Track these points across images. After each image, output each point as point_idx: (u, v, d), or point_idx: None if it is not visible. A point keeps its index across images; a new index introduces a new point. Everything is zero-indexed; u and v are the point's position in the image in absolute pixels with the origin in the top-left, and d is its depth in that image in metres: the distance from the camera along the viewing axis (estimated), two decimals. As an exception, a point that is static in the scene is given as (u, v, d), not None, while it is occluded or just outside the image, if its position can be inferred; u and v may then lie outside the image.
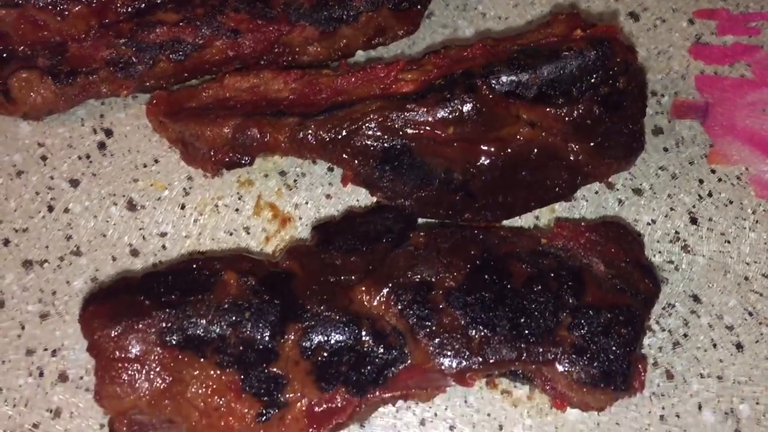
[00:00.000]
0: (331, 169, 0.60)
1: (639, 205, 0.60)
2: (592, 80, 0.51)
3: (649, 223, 0.59)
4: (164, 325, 0.47)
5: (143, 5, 0.59)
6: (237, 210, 0.59)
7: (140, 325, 0.47)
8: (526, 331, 0.48)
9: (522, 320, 0.48)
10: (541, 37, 0.54)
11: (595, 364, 0.48)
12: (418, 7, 0.62)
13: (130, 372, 0.47)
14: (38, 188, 0.58)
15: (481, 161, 0.53)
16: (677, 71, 0.65)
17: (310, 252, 0.51)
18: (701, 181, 0.61)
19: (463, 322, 0.48)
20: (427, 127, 0.52)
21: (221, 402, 0.47)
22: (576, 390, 0.48)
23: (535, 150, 0.53)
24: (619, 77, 0.52)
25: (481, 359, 0.48)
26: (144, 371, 0.47)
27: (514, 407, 0.54)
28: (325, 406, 0.48)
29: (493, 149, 0.52)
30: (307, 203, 0.59)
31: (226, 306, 0.48)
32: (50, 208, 0.58)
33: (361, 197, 0.59)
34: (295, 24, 0.59)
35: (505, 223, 0.57)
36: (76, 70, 0.58)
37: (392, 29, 0.62)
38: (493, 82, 0.51)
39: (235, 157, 0.55)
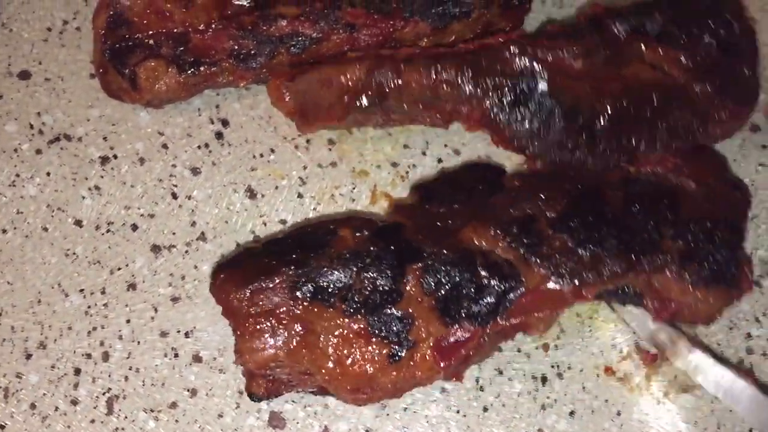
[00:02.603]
0: (440, 161, 0.62)
1: (741, 200, 0.61)
2: (711, 23, 0.55)
3: (752, 218, 0.61)
4: (293, 279, 0.50)
5: (264, -1, 0.61)
6: (353, 200, 0.60)
7: (271, 283, 0.50)
8: (633, 245, 0.51)
9: (627, 236, 0.51)
10: None
11: (705, 265, 0.51)
12: (526, 5, 0.63)
13: (266, 325, 0.50)
14: (161, 176, 0.60)
15: (606, 99, 0.55)
16: (770, 71, 0.66)
17: (414, 206, 0.55)
18: (799, 178, 0.63)
19: (571, 244, 0.51)
20: (558, 60, 0.55)
21: (353, 349, 0.50)
22: (690, 294, 0.51)
23: (657, 92, 0.55)
24: (734, 22, 0.56)
25: (595, 273, 0.51)
26: (279, 323, 0.50)
27: (631, 393, 0.56)
28: (451, 339, 0.50)
29: (617, 86, 0.55)
30: (420, 194, 0.61)
31: (347, 256, 0.51)
32: (174, 195, 0.59)
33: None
34: (409, 19, 0.60)
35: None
36: (199, 60, 0.59)
37: (498, 25, 0.63)
38: (618, 20, 0.56)
39: (367, 99, 0.56)
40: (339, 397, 0.51)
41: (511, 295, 0.50)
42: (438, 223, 0.53)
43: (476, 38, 0.63)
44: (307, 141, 0.62)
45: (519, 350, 0.57)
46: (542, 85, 0.55)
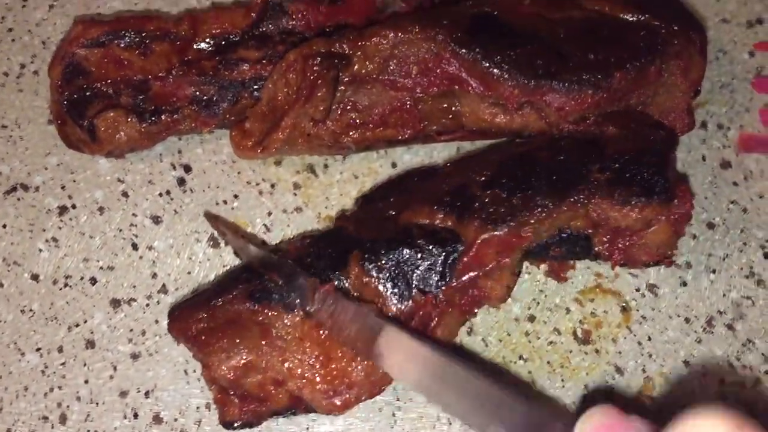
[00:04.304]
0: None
1: (713, 239, 0.61)
2: None
3: (723, 258, 0.60)
4: (248, 290, 0.50)
5: (224, 43, 0.59)
6: (319, 246, 0.59)
7: (227, 297, 0.50)
8: (562, 183, 0.52)
9: (555, 177, 0.52)
10: None
11: (634, 181, 0.51)
12: None
13: (231, 332, 0.50)
14: (121, 225, 0.59)
15: (559, 25, 0.56)
16: (741, 104, 0.66)
17: (355, 210, 0.56)
18: (772, 215, 0.62)
19: (503, 195, 0.52)
20: (507, 0, 0.57)
21: (319, 348, 0.50)
22: (626, 215, 0.51)
23: (603, 22, 0.56)
24: None
25: (527, 213, 0.51)
26: (244, 329, 0.50)
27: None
28: (404, 317, 0.50)
29: (564, 19, 0.56)
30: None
31: (291, 262, 0.51)
32: (134, 246, 0.58)
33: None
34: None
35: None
36: (160, 108, 0.58)
37: None
38: None
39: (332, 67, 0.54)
40: (318, 406, 0.50)
41: (454, 255, 0.50)
42: (376, 216, 0.53)
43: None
44: (272, 186, 0.60)
45: (489, 401, 0.55)
46: (496, 17, 0.55)
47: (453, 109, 0.56)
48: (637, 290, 0.59)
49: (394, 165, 0.61)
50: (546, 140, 0.55)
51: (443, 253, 0.51)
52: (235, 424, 0.50)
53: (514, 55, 0.54)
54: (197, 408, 0.54)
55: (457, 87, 0.55)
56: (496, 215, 0.51)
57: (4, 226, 0.58)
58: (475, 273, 0.51)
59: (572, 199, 0.51)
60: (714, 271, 0.60)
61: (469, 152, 0.61)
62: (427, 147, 0.62)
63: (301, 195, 0.60)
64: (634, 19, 0.56)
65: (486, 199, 0.52)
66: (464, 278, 0.51)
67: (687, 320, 0.58)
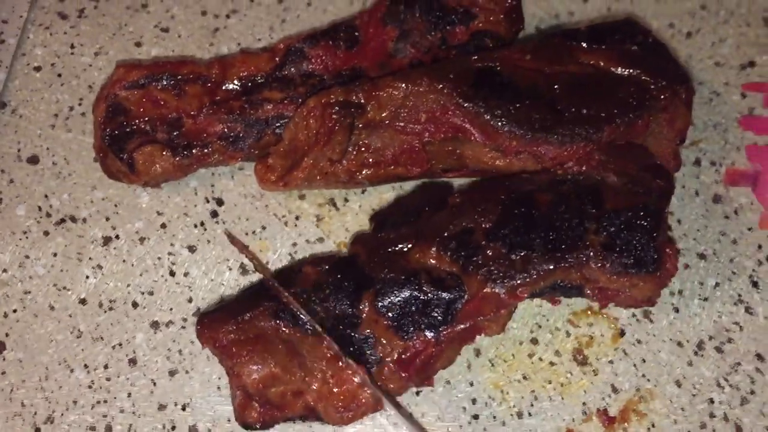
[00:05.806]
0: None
1: (704, 269, 0.65)
2: (626, 35, 0.63)
3: (714, 286, 0.65)
4: (273, 309, 0.56)
5: (250, 84, 0.65)
6: (339, 273, 0.64)
7: (255, 312, 0.56)
8: (558, 244, 0.56)
9: (552, 236, 0.56)
10: None
11: (624, 254, 0.55)
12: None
13: (259, 346, 0.55)
14: (160, 254, 0.64)
15: (556, 80, 0.61)
16: (732, 142, 0.70)
17: (368, 235, 0.60)
18: (760, 246, 0.66)
19: (504, 250, 0.56)
20: (511, 55, 0.62)
21: (334, 369, 0.55)
22: (615, 281, 0.56)
23: (596, 77, 0.61)
24: (645, 34, 0.64)
25: (525, 275, 0.56)
26: (271, 343, 0.55)
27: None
28: (410, 352, 0.56)
29: (563, 73, 0.61)
30: (402, 267, 0.65)
31: (310, 289, 0.57)
32: (172, 273, 0.64)
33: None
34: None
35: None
36: (191, 143, 0.64)
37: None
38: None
39: (347, 114, 0.60)
40: (328, 418, 0.56)
41: (457, 303, 0.56)
42: (389, 249, 0.58)
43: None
44: (296, 218, 0.66)
45: (495, 417, 0.60)
46: (499, 72, 0.61)
47: (457, 151, 0.62)
48: (633, 315, 0.64)
49: (408, 198, 0.67)
50: (549, 180, 0.60)
51: (447, 300, 0.56)
52: (255, 426, 0.56)
53: (513, 109, 0.59)
54: (228, 420, 0.59)
55: (461, 134, 0.60)
56: (496, 274, 0.56)
57: (55, 255, 0.64)
58: (474, 320, 0.56)
59: (567, 264, 0.56)
60: (705, 299, 0.64)
61: (478, 182, 0.65)
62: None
63: (323, 226, 0.66)
64: (626, 73, 0.62)
65: (488, 252, 0.56)
66: (463, 325, 0.56)
67: (679, 344, 0.63)
